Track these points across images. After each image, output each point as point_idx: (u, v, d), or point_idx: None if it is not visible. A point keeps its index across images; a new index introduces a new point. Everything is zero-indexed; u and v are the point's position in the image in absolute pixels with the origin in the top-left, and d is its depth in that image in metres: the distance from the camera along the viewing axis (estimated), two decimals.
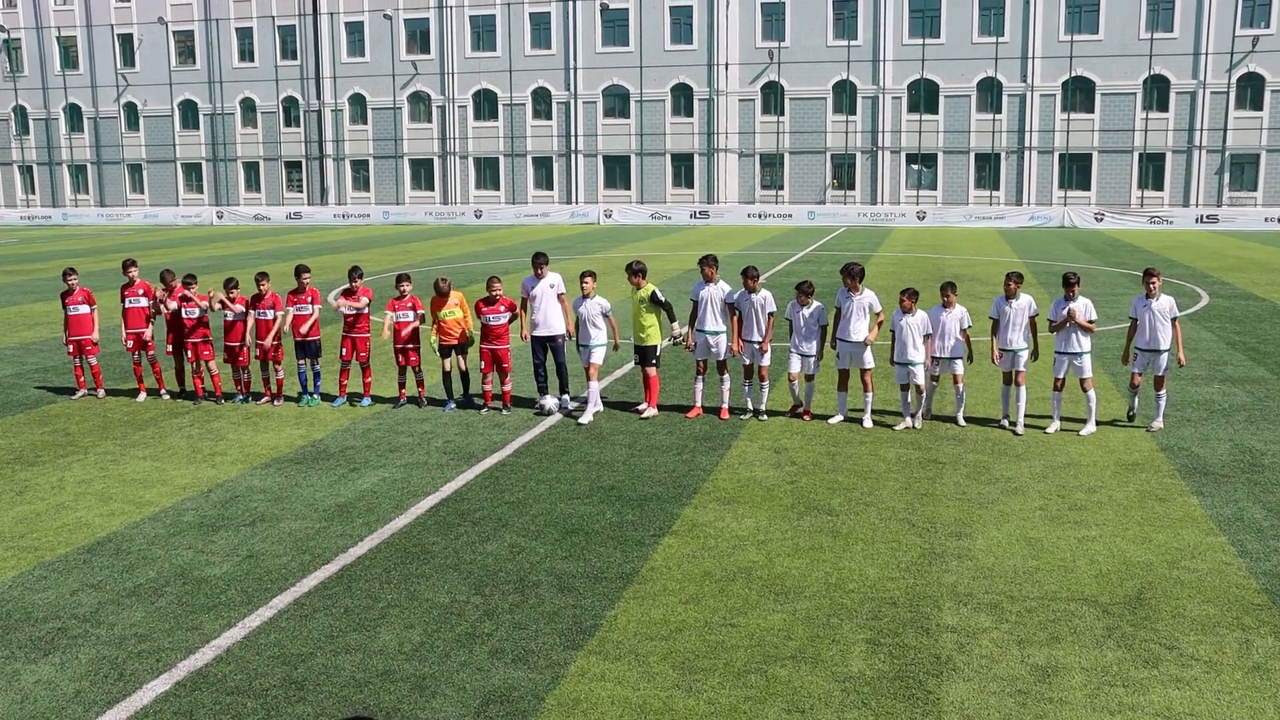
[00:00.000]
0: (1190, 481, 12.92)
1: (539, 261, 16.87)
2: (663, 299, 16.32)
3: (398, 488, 12.93)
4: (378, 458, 14.37)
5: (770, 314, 16.13)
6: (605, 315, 16.21)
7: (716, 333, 16.34)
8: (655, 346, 16.42)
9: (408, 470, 13.70)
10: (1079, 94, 74.51)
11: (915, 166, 78.07)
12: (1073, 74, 74.03)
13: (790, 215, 75.11)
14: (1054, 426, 15.41)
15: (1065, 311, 15.20)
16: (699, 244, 54.16)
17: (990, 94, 75.87)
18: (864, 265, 16.49)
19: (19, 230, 78.67)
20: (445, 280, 16.98)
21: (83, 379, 18.74)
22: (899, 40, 76.87)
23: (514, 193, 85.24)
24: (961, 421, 15.68)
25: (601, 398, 17.09)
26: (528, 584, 9.84)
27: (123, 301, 18.47)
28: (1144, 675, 8.05)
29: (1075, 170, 75.57)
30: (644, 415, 16.33)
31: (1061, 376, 15.39)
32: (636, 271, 16.31)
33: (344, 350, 17.48)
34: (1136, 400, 15.58)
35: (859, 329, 15.62)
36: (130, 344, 18.40)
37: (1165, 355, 15.28)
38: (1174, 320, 15.20)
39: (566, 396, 17.00)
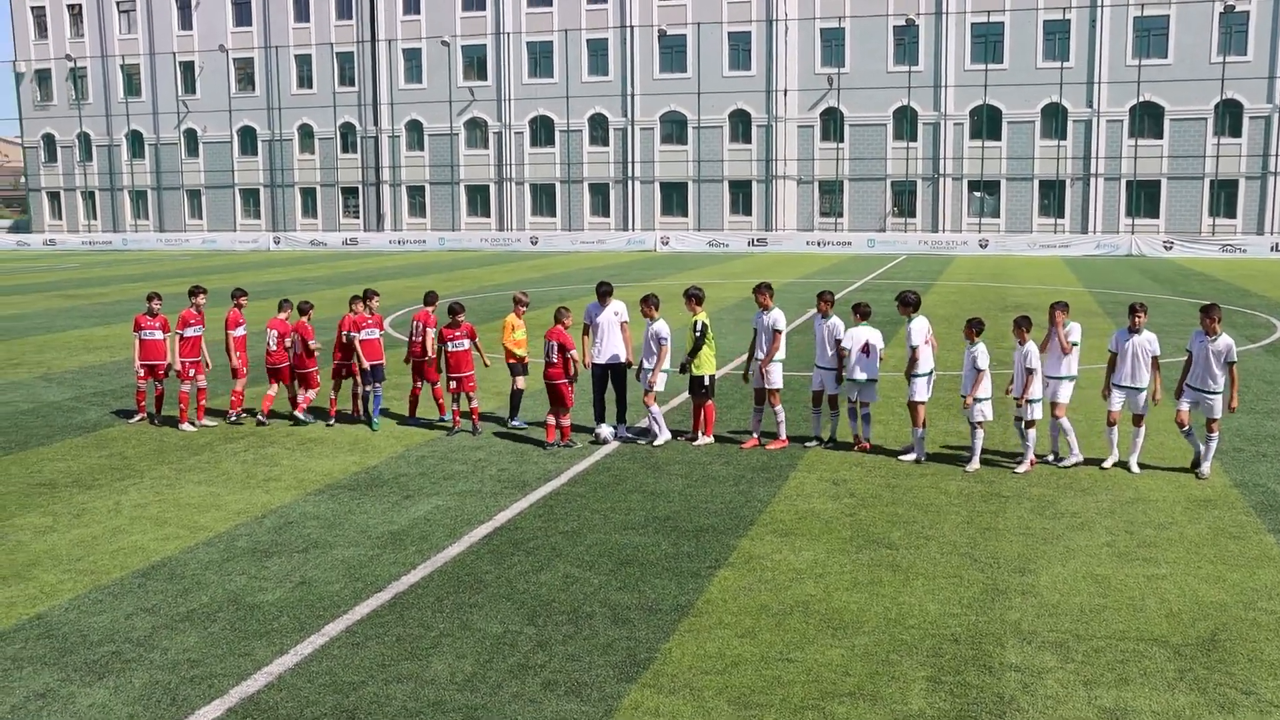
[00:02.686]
0: (1266, 519, 12.65)
1: (603, 291, 17.03)
2: (697, 333, 16.23)
3: (451, 515, 12.96)
4: (431, 485, 14.42)
5: (838, 340, 16.24)
6: (659, 341, 16.12)
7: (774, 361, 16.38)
8: (704, 377, 16.41)
9: (461, 498, 13.73)
10: (1147, 119, 73.69)
11: (978, 194, 77.53)
12: (1140, 99, 73.24)
13: (849, 243, 74.78)
14: (1110, 460, 15.15)
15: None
16: (756, 272, 54.06)
17: (1055, 120, 75.25)
18: (919, 294, 16.04)
19: (80, 255, 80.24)
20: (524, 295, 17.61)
21: (144, 404, 18.84)
22: (961, 66, 76.53)
23: (570, 219, 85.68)
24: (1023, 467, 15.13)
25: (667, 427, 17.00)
26: (581, 615, 9.81)
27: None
28: None
29: (1143, 197, 74.64)
30: (698, 445, 16.30)
31: (1117, 410, 15.02)
32: (692, 297, 16.36)
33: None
34: (1198, 444, 14.80)
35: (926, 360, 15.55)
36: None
37: (1218, 398, 14.45)
38: (1230, 364, 14.32)
39: (623, 426, 17.08)
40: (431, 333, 18.03)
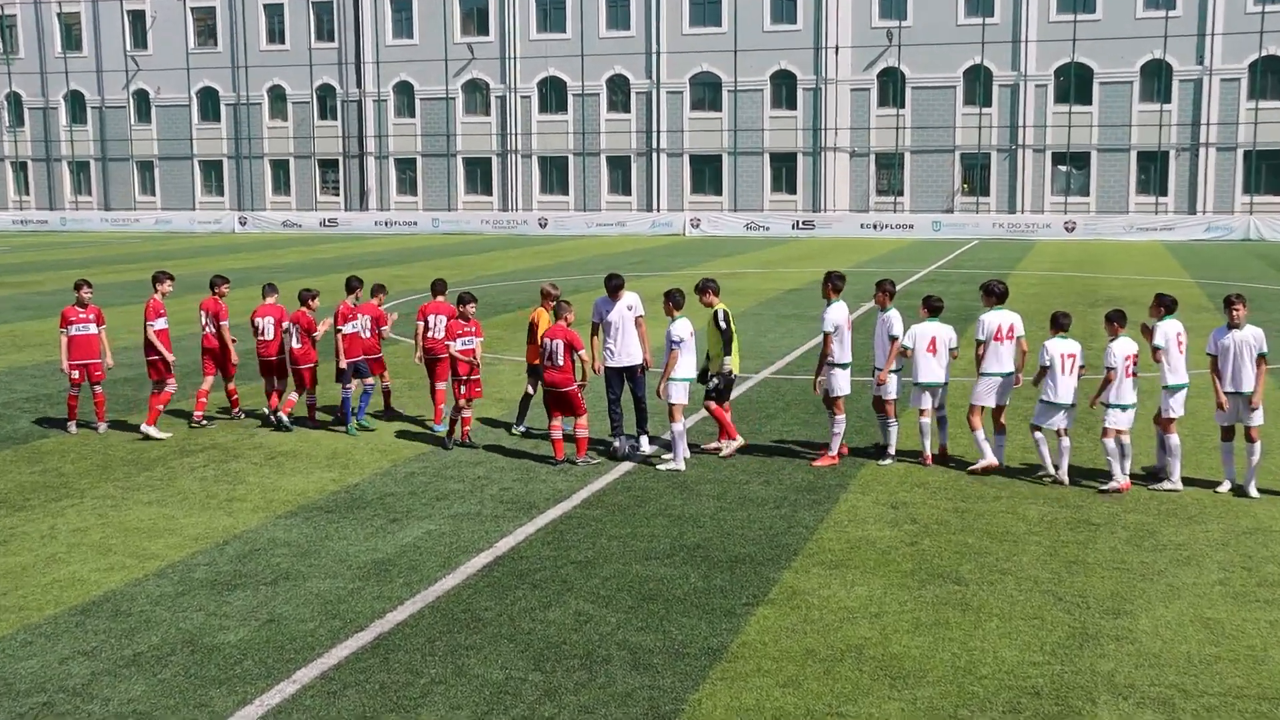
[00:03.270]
0: None
1: (614, 285, 17.13)
2: (724, 325, 16.45)
3: (445, 542, 13.01)
4: (422, 506, 14.47)
5: (894, 338, 16.35)
6: (669, 343, 16.15)
7: (845, 365, 16.59)
8: (716, 375, 16.65)
9: (457, 522, 13.77)
10: (1271, 77, 73.09)
11: (1063, 168, 77.31)
12: (1263, 53, 72.58)
13: (911, 226, 74.75)
14: (1224, 486, 15.07)
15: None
16: (802, 259, 54.07)
17: (1157, 80, 74.86)
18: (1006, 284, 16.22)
19: (11, 236, 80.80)
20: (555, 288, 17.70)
21: (77, 410, 18.97)
22: (1045, 17, 76.25)
23: (585, 198, 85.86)
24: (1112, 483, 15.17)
25: (690, 444, 17.07)
26: (596, 659, 9.81)
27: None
28: None
29: (1265, 170, 74.04)
30: (722, 455, 16.47)
31: (1228, 425, 14.98)
32: (705, 289, 16.47)
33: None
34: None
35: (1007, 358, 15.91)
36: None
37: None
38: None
39: (645, 438, 17.14)
40: (436, 320, 18.63)
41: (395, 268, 50.42)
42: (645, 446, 17.11)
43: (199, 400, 19.21)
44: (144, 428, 18.28)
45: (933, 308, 16.36)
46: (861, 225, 75.50)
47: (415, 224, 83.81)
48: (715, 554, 12.54)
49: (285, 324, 18.96)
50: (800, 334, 29.09)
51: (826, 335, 16.33)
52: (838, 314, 16.42)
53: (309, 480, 15.81)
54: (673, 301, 16.50)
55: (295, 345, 18.77)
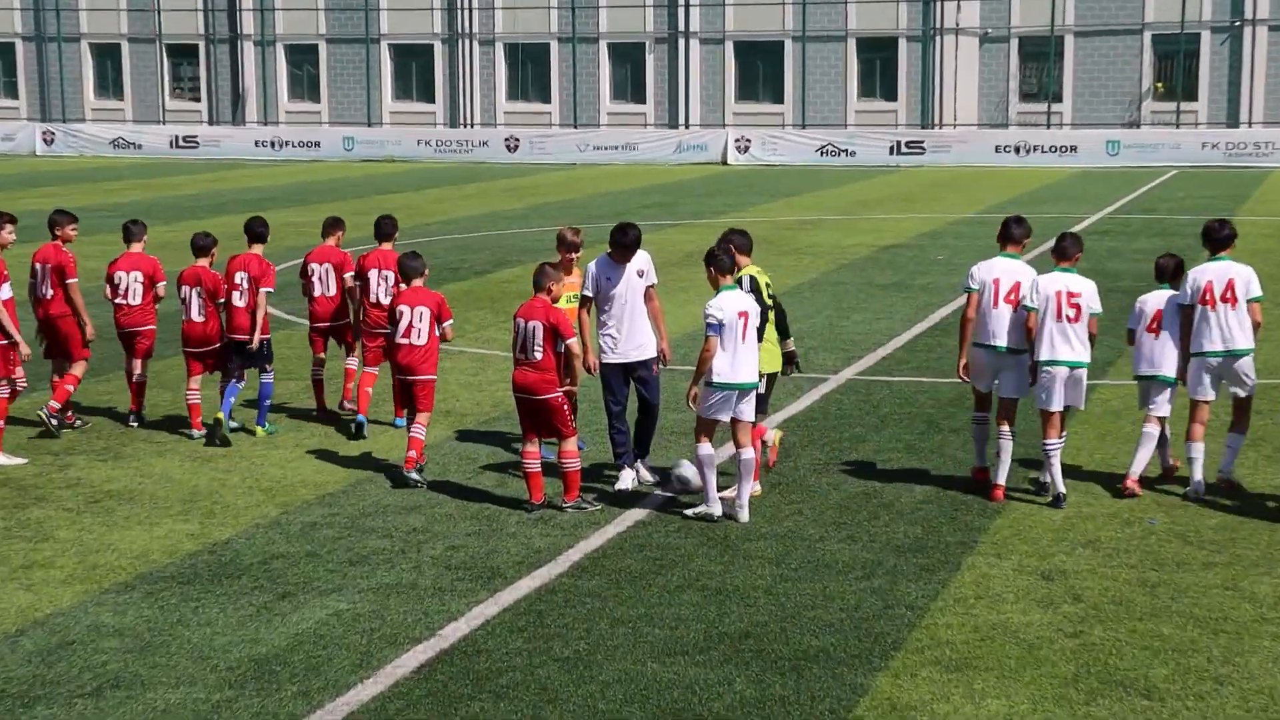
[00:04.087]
0: None
1: (627, 240, 17.07)
2: (766, 296, 16.74)
3: (362, 629, 12.88)
4: (328, 574, 14.34)
5: (1094, 315, 16.66)
6: (711, 326, 15.99)
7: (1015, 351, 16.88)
8: (763, 378, 16.76)
9: (381, 598, 13.63)
10: None
11: None
12: None
13: (1073, 148, 74.43)
14: None
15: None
16: (905, 201, 53.71)
17: None
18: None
19: None
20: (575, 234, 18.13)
21: None
22: None
23: (575, 107, 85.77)
24: None
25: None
26: None
27: None
28: None
29: None
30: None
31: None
32: (730, 245, 16.50)
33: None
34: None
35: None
36: None
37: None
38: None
39: (641, 464, 17.37)
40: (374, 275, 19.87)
41: (288, 211, 50.12)
42: (643, 474, 17.31)
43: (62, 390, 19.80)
44: None
45: (1162, 269, 17.04)
46: (997, 148, 75.24)
47: (318, 145, 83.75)
48: (773, 648, 12.45)
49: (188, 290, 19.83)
50: (903, 312, 28.97)
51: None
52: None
53: (153, 535, 15.64)
54: (716, 265, 16.29)
55: (197, 317, 19.73)
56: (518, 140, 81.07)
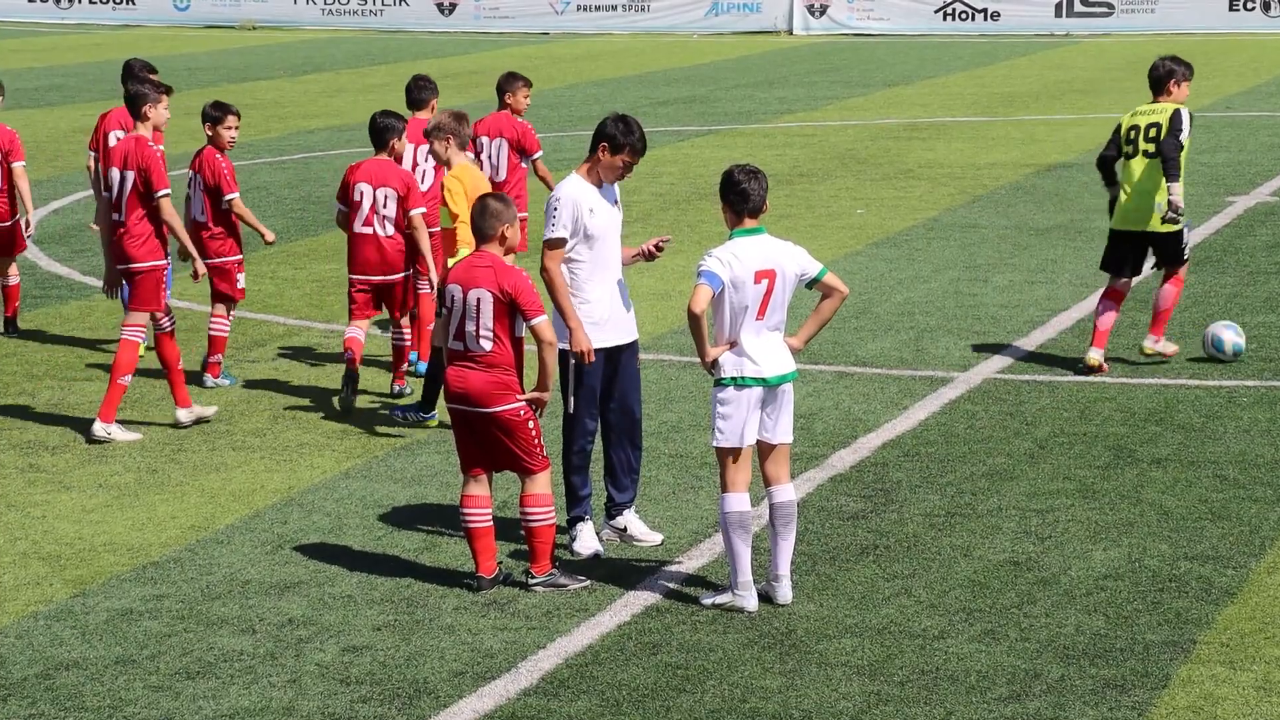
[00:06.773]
0: None
1: (633, 141, 14.06)
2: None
3: None
4: (149, 694, 11.52)
5: None
6: (702, 279, 14.02)
7: None
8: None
9: None
10: None
11: None
12: None
13: None
14: None
15: None
16: (1083, 91, 49.54)
17: None
18: None
19: None
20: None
21: None
22: None
23: None
24: None
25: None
26: None
27: None
28: None
29: None
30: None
31: None
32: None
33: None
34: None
35: None
36: None
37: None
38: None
39: (630, 512, 14.70)
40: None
41: (89, 106, 46.58)
42: (634, 528, 14.54)
43: None
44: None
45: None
46: (1232, 3, 66.74)
47: (133, 4, 75.93)
48: None
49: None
50: (1073, 272, 24.87)
51: None
52: None
53: None
54: (736, 198, 13.42)
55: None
56: None
